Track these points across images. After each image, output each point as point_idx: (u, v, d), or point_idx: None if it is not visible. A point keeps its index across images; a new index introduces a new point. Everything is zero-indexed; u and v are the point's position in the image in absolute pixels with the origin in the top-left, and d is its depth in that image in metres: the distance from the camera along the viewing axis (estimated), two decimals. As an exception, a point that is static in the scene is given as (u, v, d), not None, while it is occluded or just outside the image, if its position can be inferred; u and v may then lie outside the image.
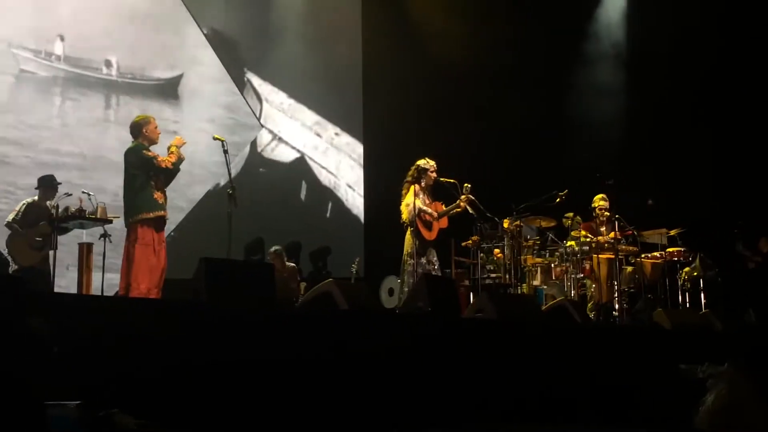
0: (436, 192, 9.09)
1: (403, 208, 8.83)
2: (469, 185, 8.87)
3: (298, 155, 12.98)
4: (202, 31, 11.96)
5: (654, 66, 12.56)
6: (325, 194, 13.24)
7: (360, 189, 13.54)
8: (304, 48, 12.92)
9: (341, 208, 13.33)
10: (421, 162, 9.05)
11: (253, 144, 12.52)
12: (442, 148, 11.64)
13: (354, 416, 4.79)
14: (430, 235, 8.84)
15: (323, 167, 13.25)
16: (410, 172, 9.06)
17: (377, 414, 4.89)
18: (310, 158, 13.12)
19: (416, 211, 8.64)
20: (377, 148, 13.38)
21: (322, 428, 4.63)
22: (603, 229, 10.12)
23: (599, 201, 10.22)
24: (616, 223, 9.86)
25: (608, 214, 10.04)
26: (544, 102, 12.92)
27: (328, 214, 13.20)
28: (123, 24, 11.22)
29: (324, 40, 13.26)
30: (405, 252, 8.79)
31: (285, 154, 12.86)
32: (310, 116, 13.14)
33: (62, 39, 10.74)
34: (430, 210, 8.84)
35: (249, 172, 12.05)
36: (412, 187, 8.87)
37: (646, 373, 6.52)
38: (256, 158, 12.46)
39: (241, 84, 12.47)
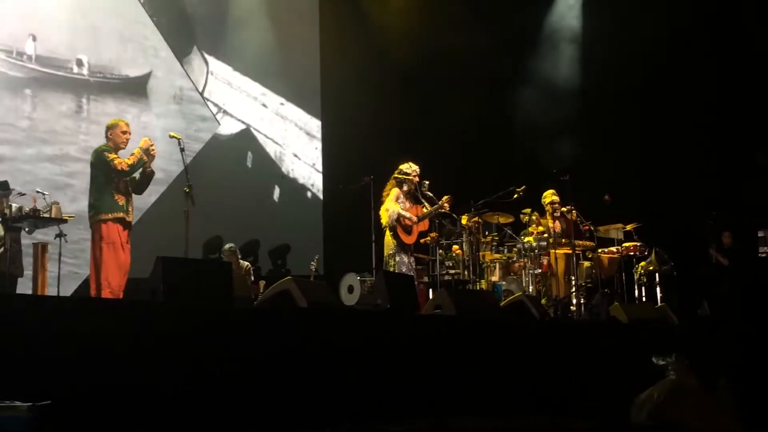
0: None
1: (382, 212, 9.01)
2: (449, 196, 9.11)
3: (243, 127, 12.89)
4: (197, 89, 12.00)
5: (610, 61, 12.68)
6: (272, 167, 13.16)
7: (306, 158, 13.45)
8: (259, 25, 12.88)
9: (294, 184, 13.27)
10: (404, 166, 9.23)
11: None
12: (401, 144, 11.73)
13: (313, 412, 4.79)
14: (408, 240, 9.12)
15: (269, 137, 13.17)
16: (393, 176, 9.19)
17: (335, 409, 4.89)
18: (256, 129, 13.03)
19: (396, 216, 8.93)
20: (336, 143, 13.36)
21: (280, 426, 4.62)
22: (557, 223, 10.21)
23: (551, 196, 10.32)
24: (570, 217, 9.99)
25: (564, 209, 10.15)
26: (502, 98, 13.01)
27: (276, 198, 13.12)
28: (94, 21, 11.12)
29: (281, 20, 13.17)
30: (386, 253, 9.06)
31: (230, 126, 12.79)
32: (256, 88, 13.04)
33: (34, 39, 10.62)
34: (409, 215, 9.00)
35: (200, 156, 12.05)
36: (393, 190, 9.04)
37: (603, 367, 6.59)
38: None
39: (185, 54, 12.32)
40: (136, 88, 11.39)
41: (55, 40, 10.75)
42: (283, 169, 13.22)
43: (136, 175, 7.57)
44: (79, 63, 10.91)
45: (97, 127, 10.59)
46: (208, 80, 12.49)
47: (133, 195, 7.60)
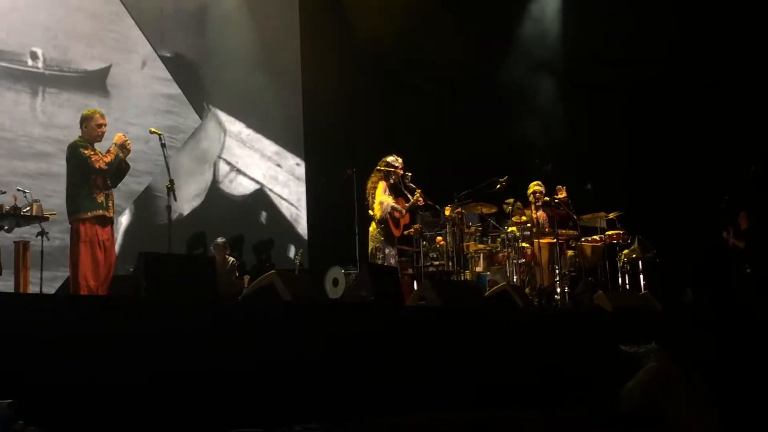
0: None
1: (376, 205, 9.03)
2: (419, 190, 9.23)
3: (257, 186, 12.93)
4: (158, 54, 11.92)
5: (590, 49, 12.67)
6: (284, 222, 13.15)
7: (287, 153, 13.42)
8: (239, 20, 12.82)
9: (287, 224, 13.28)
10: (390, 158, 9.28)
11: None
12: (383, 136, 11.72)
13: (298, 406, 4.78)
14: (397, 232, 9.22)
15: (283, 198, 13.17)
16: (378, 168, 9.20)
17: (320, 403, 4.88)
18: (270, 189, 13.04)
19: (390, 209, 9.00)
20: (318, 137, 13.30)
21: (266, 421, 4.60)
22: (540, 213, 10.25)
23: (534, 186, 10.37)
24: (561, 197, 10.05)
25: (547, 198, 10.18)
26: (482, 89, 13.01)
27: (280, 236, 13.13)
28: (50, 14, 10.92)
29: (260, 15, 13.12)
30: (373, 246, 9.10)
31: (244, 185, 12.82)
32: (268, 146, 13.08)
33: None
34: (400, 207, 9.06)
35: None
36: (381, 183, 9.07)
37: (587, 355, 6.61)
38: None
39: (201, 111, 12.45)
40: (95, 82, 11.23)
41: (6, 33, 10.53)
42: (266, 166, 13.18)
43: None
44: (34, 56, 10.72)
45: (54, 122, 10.57)
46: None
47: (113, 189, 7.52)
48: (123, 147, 7.40)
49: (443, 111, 12.83)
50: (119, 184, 7.82)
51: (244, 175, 12.72)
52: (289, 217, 13.12)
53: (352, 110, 12.64)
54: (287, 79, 13.39)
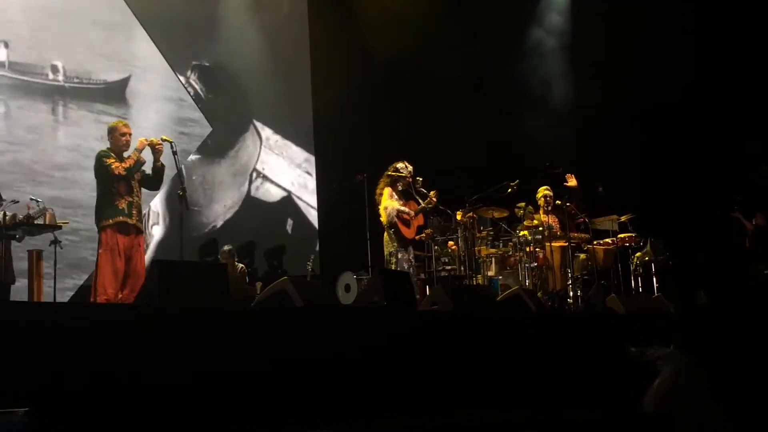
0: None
1: (381, 211, 9.08)
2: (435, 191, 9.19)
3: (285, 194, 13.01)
4: (187, 91, 12.07)
5: (601, 52, 12.66)
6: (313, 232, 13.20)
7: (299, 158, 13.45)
8: (247, 22, 12.89)
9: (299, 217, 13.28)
10: (399, 165, 9.27)
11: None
12: (393, 142, 11.72)
13: (311, 411, 4.79)
14: (409, 233, 9.23)
15: (312, 207, 13.24)
16: (387, 173, 9.21)
17: (334, 407, 4.89)
18: (298, 197, 13.12)
19: (395, 213, 9.02)
20: (328, 143, 13.32)
21: (280, 425, 4.62)
22: (551, 217, 10.23)
23: (544, 191, 10.36)
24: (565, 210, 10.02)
25: (558, 202, 10.16)
26: (492, 92, 13.01)
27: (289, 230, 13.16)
28: (69, 27, 11.00)
29: (269, 20, 13.21)
30: (387, 251, 9.13)
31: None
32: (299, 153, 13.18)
33: (6, 45, 10.48)
34: (406, 209, 9.07)
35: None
36: (387, 189, 9.09)
37: (600, 358, 6.59)
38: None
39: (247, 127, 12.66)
40: (115, 93, 11.29)
41: (27, 47, 10.61)
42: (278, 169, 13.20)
43: (147, 170, 7.56)
44: (54, 69, 10.80)
45: (74, 134, 10.69)
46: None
47: (141, 197, 7.56)
48: (153, 148, 7.46)
49: (453, 116, 12.82)
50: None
51: (272, 182, 12.78)
52: (318, 227, 13.17)
53: (362, 116, 12.64)
54: (298, 87, 13.43)
